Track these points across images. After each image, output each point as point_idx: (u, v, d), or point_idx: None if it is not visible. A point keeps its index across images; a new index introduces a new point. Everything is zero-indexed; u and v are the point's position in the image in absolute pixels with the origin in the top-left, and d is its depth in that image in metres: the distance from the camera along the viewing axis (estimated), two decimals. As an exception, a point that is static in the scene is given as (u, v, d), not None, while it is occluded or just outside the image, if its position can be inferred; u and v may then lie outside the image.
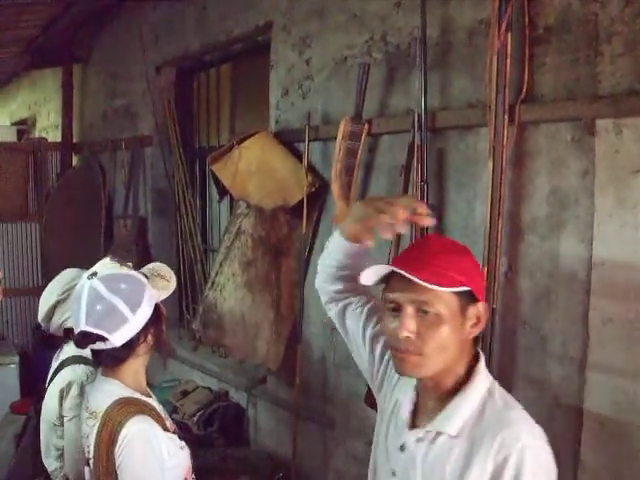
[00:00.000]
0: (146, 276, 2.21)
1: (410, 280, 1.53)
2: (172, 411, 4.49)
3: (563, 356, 2.49)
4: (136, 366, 2.18)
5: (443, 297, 1.56)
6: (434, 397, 1.68)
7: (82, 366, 2.66)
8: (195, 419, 4.37)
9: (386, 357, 1.89)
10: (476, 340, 1.71)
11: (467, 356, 1.68)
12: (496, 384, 1.69)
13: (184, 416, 4.42)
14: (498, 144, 2.55)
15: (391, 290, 1.63)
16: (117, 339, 2.04)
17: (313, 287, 3.66)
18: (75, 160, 7.35)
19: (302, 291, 3.75)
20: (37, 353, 6.39)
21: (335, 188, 3.25)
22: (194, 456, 2.25)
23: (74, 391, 2.59)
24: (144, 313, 2.09)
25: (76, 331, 2.06)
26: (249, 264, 3.91)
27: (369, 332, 1.93)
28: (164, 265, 2.38)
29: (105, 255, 5.81)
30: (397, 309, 1.62)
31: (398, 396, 1.81)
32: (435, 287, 1.53)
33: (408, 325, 1.58)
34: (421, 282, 1.52)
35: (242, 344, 4.00)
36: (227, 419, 4.44)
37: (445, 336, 1.58)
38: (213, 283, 4.11)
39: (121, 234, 6.00)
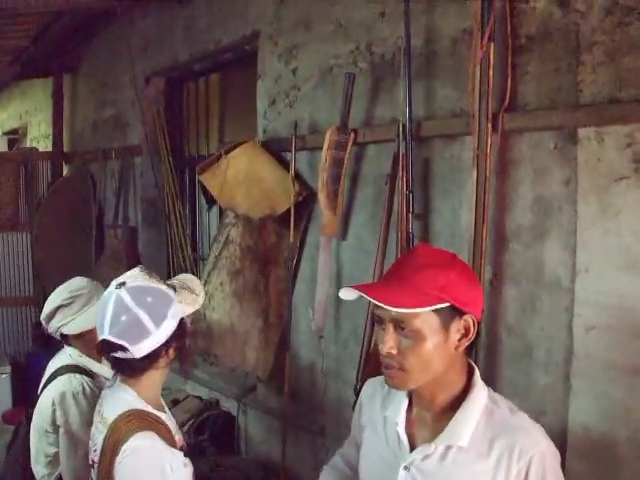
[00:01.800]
0: (174, 289, 2.20)
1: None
2: (162, 420, 4.49)
3: (548, 363, 2.50)
4: (154, 378, 2.18)
5: (420, 315, 1.57)
6: (433, 411, 1.71)
7: (78, 376, 2.66)
8: (186, 428, 4.36)
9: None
10: (469, 351, 1.71)
11: (461, 368, 1.70)
12: (491, 391, 1.72)
13: (175, 425, 4.42)
14: (482, 153, 2.57)
15: (374, 306, 1.64)
16: (138, 351, 2.04)
17: (301, 296, 3.71)
18: (66, 170, 7.35)
19: (290, 299, 3.76)
20: (30, 362, 6.40)
21: (322, 197, 3.26)
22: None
23: (69, 401, 2.59)
24: (168, 327, 2.08)
25: (99, 338, 2.07)
26: (237, 273, 3.92)
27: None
28: (194, 278, 2.36)
29: (96, 264, 5.87)
30: (381, 323, 1.65)
31: (386, 414, 1.82)
32: (402, 310, 1.56)
33: (387, 341, 1.62)
34: (386, 307, 1.56)
35: (231, 353, 4.01)
36: (218, 428, 4.44)
37: (426, 351, 1.59)
38: (202, 292, 4.11)
39: (112, 243, 6.01)
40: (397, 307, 1.55)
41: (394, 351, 1.61)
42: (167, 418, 2.21)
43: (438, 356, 1.61)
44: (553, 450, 1.62)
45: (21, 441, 2.90)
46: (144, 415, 2.09)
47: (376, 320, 1.69)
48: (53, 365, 2.78)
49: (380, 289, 1.64)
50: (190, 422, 4.42)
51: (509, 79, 2.55)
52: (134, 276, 2.15)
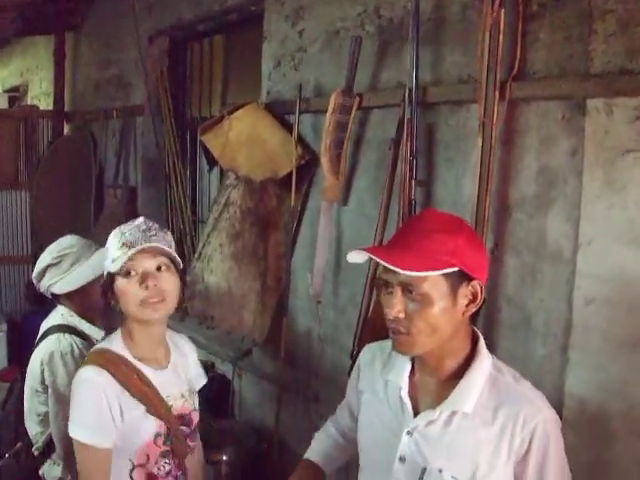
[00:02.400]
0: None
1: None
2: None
3: (546, 335, 2.50)
4: (137, 329, 2.17)
5: (428, 278, 1.57)
6: (437, 378, 1.71)
7: (67, 336, 2.63)
8: (180, 390, 4.37)
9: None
10: (474, 317, 1.72)
11: (466, 335, 1.71)
12: (496, 359, 1.73)
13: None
14: (488, 121, 2.54)
15: (382, 270, 1.64)
16: None
17: (300, 260, 3.70)
18: (67, 129, 7.30)
19: (289, 264, 3.74)
20: (26, 320, 6.41)
21: (324, 161, 3.23)
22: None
23: (57, 361, 2.58)
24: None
25: None
26: (237, 236, 3.90)
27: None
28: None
29: (95, 224, 5.85)
30: (388, 287, 1.65)
31: (388, 378, 1.82)
32: (412, 273, 1.55)
33: (395, 305, 1.61)
34: (396, 269, 1.55)
35: (228, 316, 4.00)
36: (212, 391, 4.44)
37: (433, 316, 1.59)
38: (200, 254, 4.10)
39: (111, 203, 5.99)
40: (408, 270, 1.55)
41: (402, 315, 1.61)
42: (155, 374, 2.19)
43: (445, 320, 1.61)
44: (555, 418, 1.63)
45: (15, 398, 2.90)
46: (110, 356, 2.13)
47: (382, 284, 1.67)
48: (46, 324, 2.77)
49: (389, 252, 1.62)
50: (185, 384, 4.43)
51: (519, 46, 2.50)
52: None
